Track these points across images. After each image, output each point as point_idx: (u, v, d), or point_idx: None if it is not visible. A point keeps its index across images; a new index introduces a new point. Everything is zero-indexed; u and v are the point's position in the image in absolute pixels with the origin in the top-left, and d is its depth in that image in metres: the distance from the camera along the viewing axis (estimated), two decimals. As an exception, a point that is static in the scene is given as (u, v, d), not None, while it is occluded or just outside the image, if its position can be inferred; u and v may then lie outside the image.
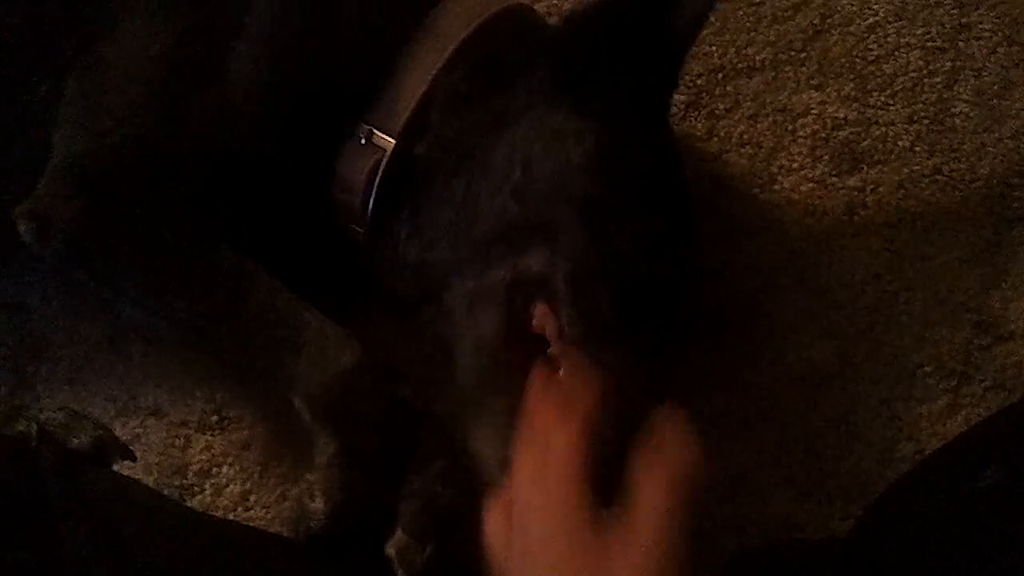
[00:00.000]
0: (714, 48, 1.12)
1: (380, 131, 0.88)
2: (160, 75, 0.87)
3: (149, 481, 0.94)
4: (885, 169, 1.07)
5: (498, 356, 0.83)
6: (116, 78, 0.87)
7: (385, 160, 0.87)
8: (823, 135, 1.08)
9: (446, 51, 0.88)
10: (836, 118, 1.09)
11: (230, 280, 0.87)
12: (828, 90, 1.11)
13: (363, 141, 0.88)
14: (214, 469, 0.95)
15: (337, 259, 0.94)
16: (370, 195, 0.88)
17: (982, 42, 1.13)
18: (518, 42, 0.90)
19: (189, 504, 0.93)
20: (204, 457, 0.95)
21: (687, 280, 0.89)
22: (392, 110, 0.88)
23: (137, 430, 0.97)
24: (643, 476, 0.68)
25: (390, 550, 0.85)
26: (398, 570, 0.85)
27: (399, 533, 0.85)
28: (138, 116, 0.86)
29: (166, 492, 0.94)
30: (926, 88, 1.11)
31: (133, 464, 0.93)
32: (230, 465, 0.95)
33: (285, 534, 0.91)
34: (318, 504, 0.85)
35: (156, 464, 0.95)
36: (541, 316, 0.82)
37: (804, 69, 1.12)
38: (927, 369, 0.99)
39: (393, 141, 0.87)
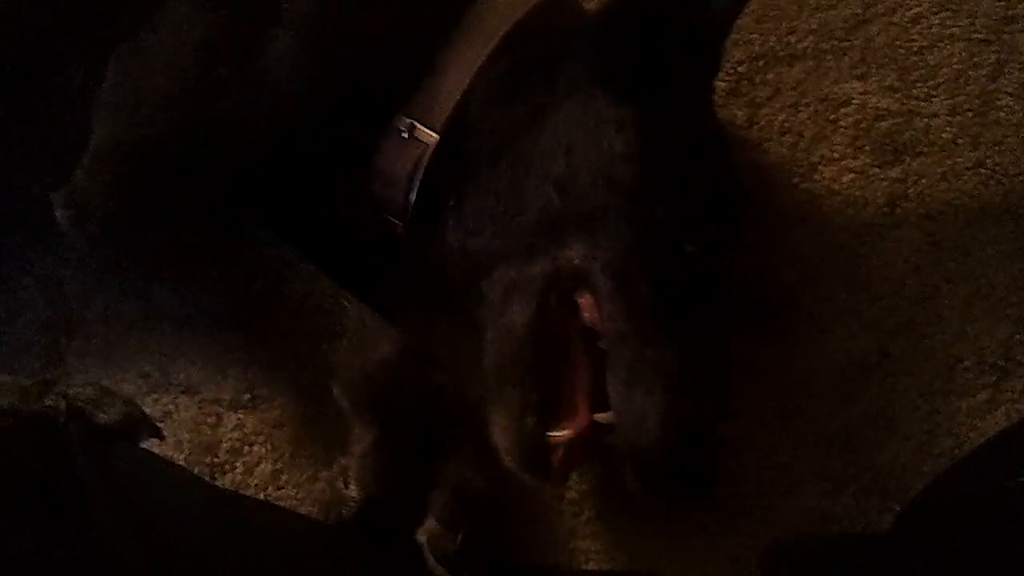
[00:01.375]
0: (756, 35, 1.11)
1: (423, 125, 0.87)
2: (200, 63, 0.86)
3: (180, 458, 0.93)
4: (927, 161, 1.06)
5: (524, 347, 0.83)
6: (156, 66, 0.87)
7: (428, 155, 0.87)
8: (865, 125, 1.07)
9: (488, 47, 0.88)
10: (878, 108, 1.08)
11: (270, 268, 0.87)
12: (870, 80, 1.09)
13: (405, 135, 0.87)
14: (245, 448, 0.95)
15: (370, 248, 0.94)
16: (411, 189, 0.88)
17: (1028, 35, 1.11)
18: (558, 34, 0.90)
19: (220, 482, 0.93)
20: (236, 435, 0.95)
21: (729, 269, 0.89)
22: (434, 105, 0.88)
23: (169, 407, 0.96)
24: None
25: (421, 537, 0.84)
26: (429, 557, 0.84)
27: (430, 521, 0.84)
28: (177, 104, 0.86)
29: (197, 470, 0.93)
30: (970, 80, 1.09)
31: (161, 442, 0.93)
32: (261, 444, 0.95)
33: (315, 516, 0.91)
34: (351, 492, 0.85)
35: (187, 441, 0.94)
36: (589, 309, 0.83)
37: (846, 58, 1.10)
38: (967, 363, 0.98)
39: (436, 136, 0.87)
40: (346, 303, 0.86)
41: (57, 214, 0.87)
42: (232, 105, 0.86)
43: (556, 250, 0.83)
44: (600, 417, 0.82)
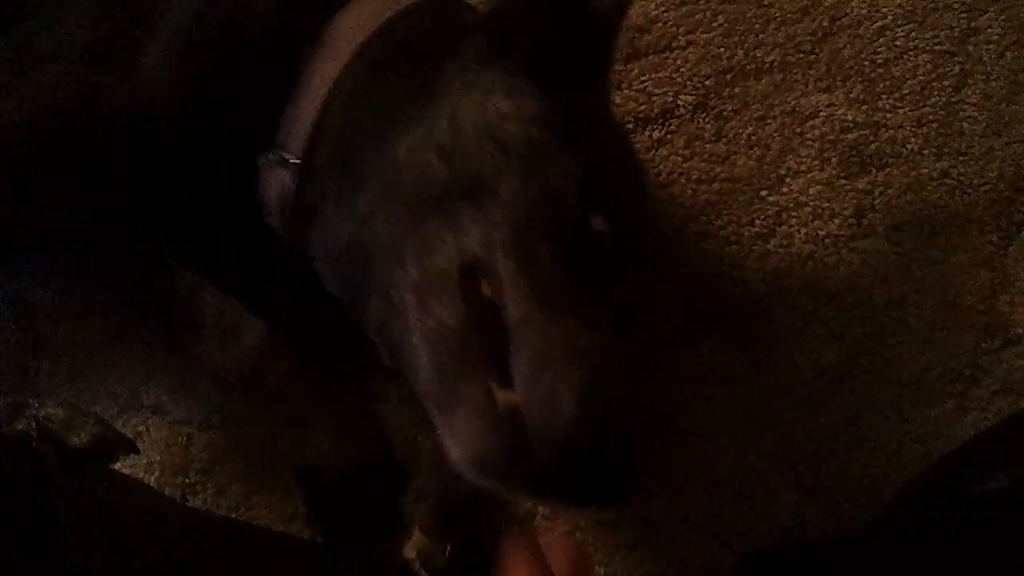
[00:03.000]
0: (723, 49, 1.11)
1: (285, 152, 0.82)
2: (84, 60, 0.85)
3: (151, 479, 0.93)
4: (893, 172, 1.07)
5: (463, 343, 0.71)
6: (44, 53, 0.85)
7: (290, 179, 0.82)
8: (831, 138, 1.08)
9: (344, 56, 0.83)
10: (845, 121, 1.09)
11: (137, 264, 0.87)
12: (837, 92, 1.10)
13: (270, 164, 0.83)
14: (216, 468, 0.94)
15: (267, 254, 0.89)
16: (283, 214, 0.83)
17: (991, 46, 1.12)
18: (441, 28, 0.85)
19: (191, 503, 0.93)
20: (206, 456, 0.95)
21: (641, 244, 0.81)
22: (293, 129, 0.82)
23: (139, 428, 0.96)
24: None
25: (410, 553, 0.84)
26: (420, 571, 0.84)
27: (416, 534, 0.84)
28: (59, 90, 0.84)
29: (168, 491, 0.93)
30: (935, 91, 1.10)
31: (135, 459, 0.92)
32: (232, 464, 0.94)
33: (293, 533, 0.91)
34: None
35: (158, 462, 0.94)
36: (494, 288, 0.72)
37: (813, 71, 1.11)
38: (935, 372, 0.99)
39: (298, 161, 0.81)
40: (206, 296, 0.86)
41: None
42: (107, 104, 0.84)
43: (454, 237, 0.73)
44: (507, 398, 0.68)
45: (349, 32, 0.83)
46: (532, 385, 0.68)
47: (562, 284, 0.71)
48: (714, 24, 1.13)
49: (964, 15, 1.14)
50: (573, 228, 0.73)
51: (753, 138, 1.08)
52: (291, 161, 0.80)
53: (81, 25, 0.86)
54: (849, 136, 1.08)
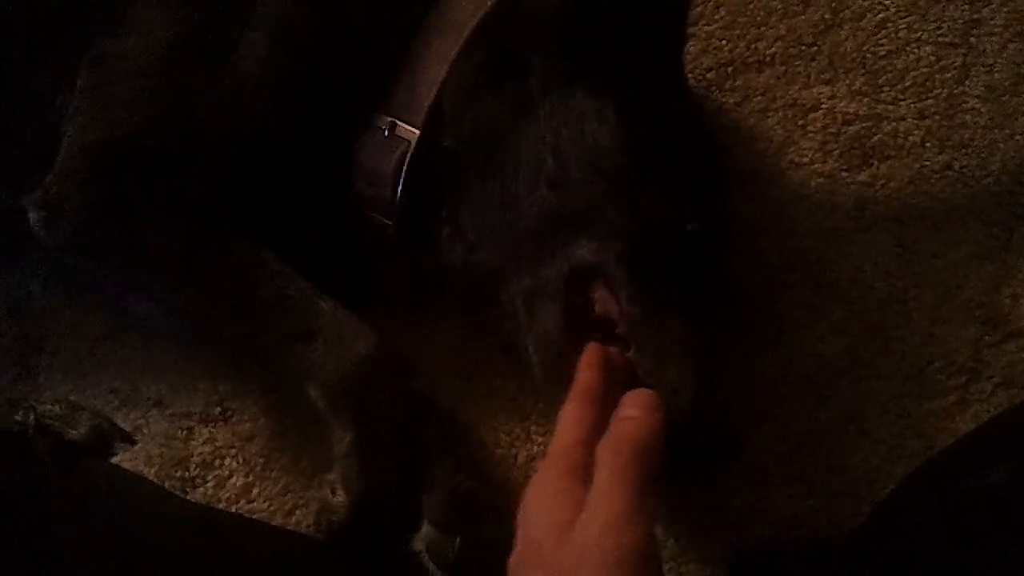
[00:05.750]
0: (724, 42, 1.11)
1: (403, 122, 0.88)
2: (170, 65, 0.86)
3: (151, 472, 0.93)
4: (895, 164, 1.06)
5: (562, 349, 0.84)
6: (127, 68, 0.87)
7: (411, 151, 0.88)
8: (833, 130, 1.08)
9: (460, 39, 0.89)
10: (846, 113, 1.08)
11: (241, 269, 0.87)
12: (839, 85, 1.10)
13: (387, 133, 0.88)
14: (217, 461, 0.94)
15: (357, 248, 0.94)
16: (397, 186, 0.88)
17: (994, 38, 1.12)
18: (526, 23, 0.90)
19: (191, 496, 0.92)
20: (207, 449, 0.95)
21: (724, 237, 0.91)
22: (412, 100, 0.88)
23: (139, 421, 0.96)
24: (602, 446, 0.72)
25: (419, 545, 0.84)
26: (429, 564, 0.84)
27: (426, 527, 0.84)
28: (149, 105, 0.86)
29: (168, 484, 0.93)
30: (937, 83, 1.10)
31: (135, 452, 0.93)
32: (233, 457, 0.94)
33: (310, 532, 0.91)
34: (339, 498, 0.84)
35: (158, 456, 0.94)
36: (602, 301, 0.84)
37: (815, 64, 1.11)
38: (936, 366, 0.98)
39: (417, 132, 0.88)
40: (321, 303, 0.86)
41: (30, 216, 0.86)
42: (202, 106, 0.86)
43: (567, 250, 0.85)
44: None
45: (464, 13, 0.90)
46: (657, 378, 0.81)
47: (670, 286, 0.84)
48: (716, 17, 1.12)
49: (967, 6, 1.13)
50: (675, 238, 0.85)
51: (755, 131, 1.08)
52: (411, 130, 0.88)
53: (161, 23, 0.87)
54: (851, 128, 1.08)
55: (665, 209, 0.85)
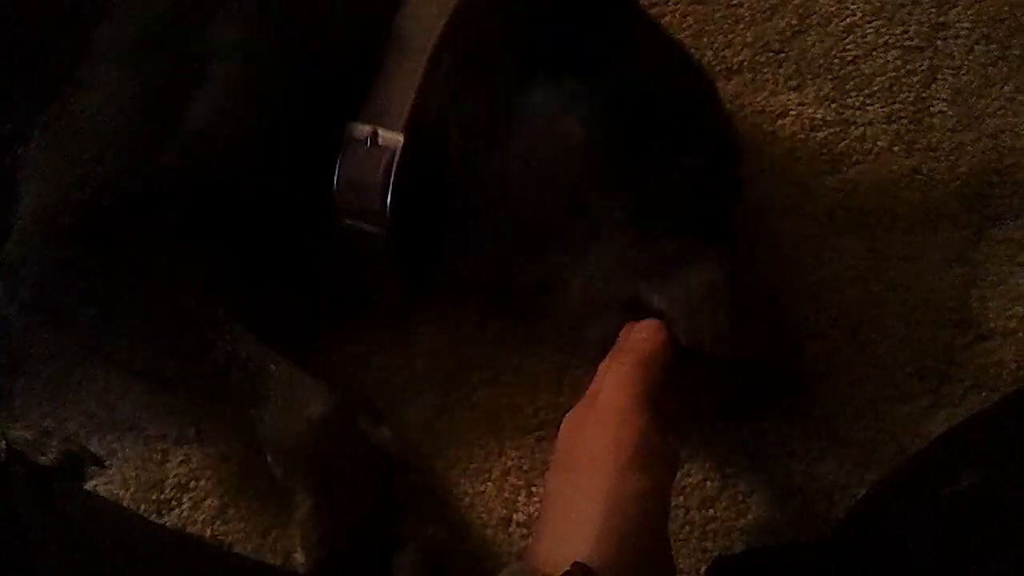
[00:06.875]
0: (692, 51, 1.10)
1: (385, 129, 0.87)
2: (130, 121, 0.85)
3: (126, 495, 0.93)
4: (864, 169, 1.07)
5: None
6: (85, 127, 0.86)
7: (396, 159, 0.87)
8: (802, 136, 1.08)
9: (431, 41, 0.88)
10: (815, 119, 1.09)
11: (194, 330, 0.85)
12: (806, 91, 1.10)
13: (368, 144, 0.88)
14: (192, 483, 0.94)
15: (345, 267, 0.93)
16: (387, 194, 0.88)
17: (960, 40, 1.12)
18: (486, 22, 0.90)
19: (166, 519, 0.93)
20: (182, 471, 0.95)
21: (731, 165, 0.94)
22: (390, 107, 0.88)
23: (114, 444, 0.96)
24: (608, 358, 0.83)
25: None
26: None
27: None
28: (109, 163, 0.84)
29: (143, 507, 0.93)
30: (904, 87, 1.10)
31: (110, 476, 0.93)
32: (208, 479, 0.94)
33: (268, 547, 0.91)
34: (300, 558, 0.83)
35: (134, 478, 0.94)
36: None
37: (782, 70, 1.11)
38: (908, 369, 0.99)
39: (401, 138, 0.87)
40: (272, 366, 0.84)
41: None
42: (164, 160, 0.85)
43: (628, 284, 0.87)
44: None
45: (431, 15, 0.90)
46: (691, 323, 0.84)
47: (681, 236, 0.86)
48: (683, 25, 1.13)
49: (933, 10, 1.14)
50: (670, 175, 0.87)
51: (723, 139, 1.08)
52: (395, 136, 0.88)
53: (119, 81, 0.86)
54: (819, 134, 1.08)
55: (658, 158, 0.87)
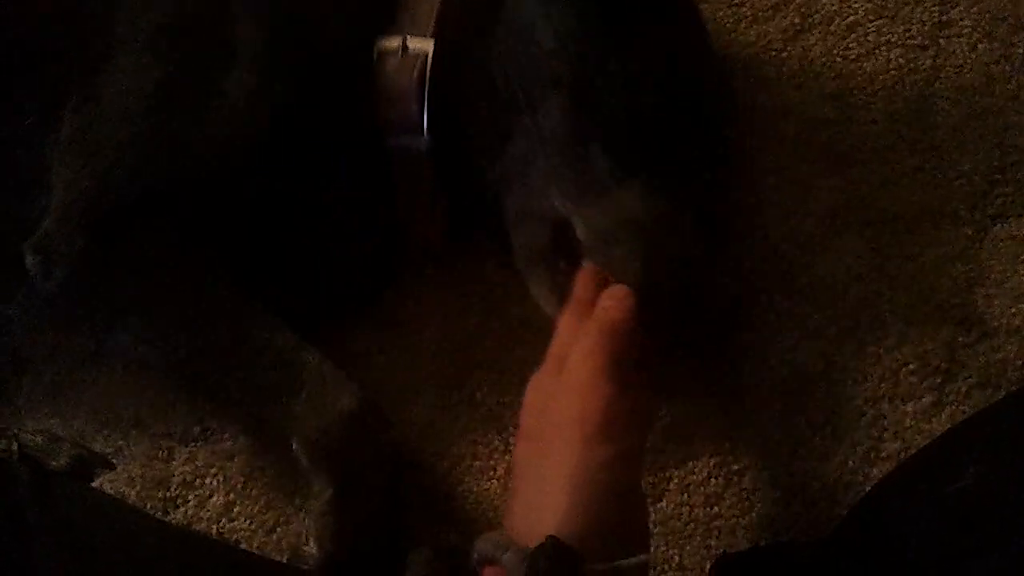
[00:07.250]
0: (694, 50, 1.11)
1: (413, 37, 0.91)
2: (155, 108, 0.87)
3: (132, 493, 0.93)
4: (866, 168, 1.07)
5: (551, 263, 0.90)
6: (111, 115, 0.87)
7: (428, 60, 0.90)
8: (805, 135, 1.08)
9: None
10: (817, 118, 1.09)
11: (230, 318, 0.87)
12: (809, 90, 1.10)
13: (400, 53, 0.91)
14: (197, 480, 0.95)
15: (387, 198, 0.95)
16: (422, 97, 0.90)
17: (963, 39, 1.13)
18: None
19: (172, 516, 0.93)
20: (187, 468, 0.95)
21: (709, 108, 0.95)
22: (417, 15, 0.92)
23: (119, 443, 0.96)
24: (570, 315, 0.84)
25: None
26: None
27: None
28: (137, 150, 0.86)
29: (149, 505, 0.93)
30: (907, 86, 1.11)
31: (116, 474, 0.93)
32: (213, 476, 0.95)
33: (274, 545, 0.91)
34: (311, 549, 0.84)
35: (139, 476, 0.94)
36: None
37: (785, 69, 1.11)
38: (911, 367, 0.99)
39: (431, 40, 0.91)
40: (307, 356, 0.86)
41: (27, 260, 0.87)
42: (194, 139, 0.87)
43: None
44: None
45: None
46: (604, 254, 0.86)
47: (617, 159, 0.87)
48: (686, 25, 1.13)
49: (936, 8, 1.14)
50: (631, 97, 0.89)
51: (726, 138, 1.08)
52: (424, 41, 0.91)
53: (143, 68, 0.88)
54: (822, 133, 1.08)
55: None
